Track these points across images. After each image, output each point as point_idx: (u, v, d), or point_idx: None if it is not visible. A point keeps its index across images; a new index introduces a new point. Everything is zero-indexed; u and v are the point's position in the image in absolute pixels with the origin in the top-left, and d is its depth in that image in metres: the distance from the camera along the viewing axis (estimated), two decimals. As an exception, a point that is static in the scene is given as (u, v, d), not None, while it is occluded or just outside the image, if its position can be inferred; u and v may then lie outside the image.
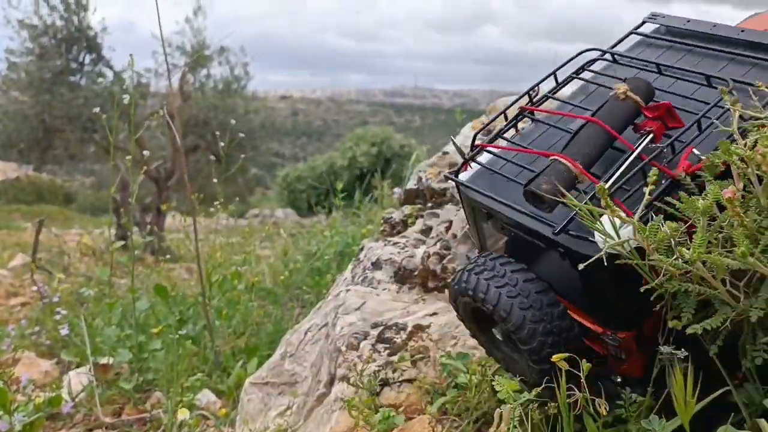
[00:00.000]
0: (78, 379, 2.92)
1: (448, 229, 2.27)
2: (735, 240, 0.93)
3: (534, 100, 1.48)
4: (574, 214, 1.12)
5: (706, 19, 1.58)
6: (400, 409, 1.72)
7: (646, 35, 1.61)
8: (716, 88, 1.30)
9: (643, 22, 1.63)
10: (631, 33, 1.62)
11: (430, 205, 2.56)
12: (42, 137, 11.84)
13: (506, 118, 1.48)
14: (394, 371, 1.83)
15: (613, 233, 1.02)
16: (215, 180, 3.67)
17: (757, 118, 1.08)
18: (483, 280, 1.29)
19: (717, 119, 1.19)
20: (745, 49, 1.41)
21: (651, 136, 1.22)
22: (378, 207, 4.10)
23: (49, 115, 11.63)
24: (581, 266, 1.03)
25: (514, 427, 1.14)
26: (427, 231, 2.37)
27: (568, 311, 1.25)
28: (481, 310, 1.31)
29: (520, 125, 1.49)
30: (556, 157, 1.20)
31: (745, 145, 1.03)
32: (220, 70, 14.08)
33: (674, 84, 1.40)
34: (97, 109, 2.92)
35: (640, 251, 1.02)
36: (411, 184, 2.70)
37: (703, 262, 0.96)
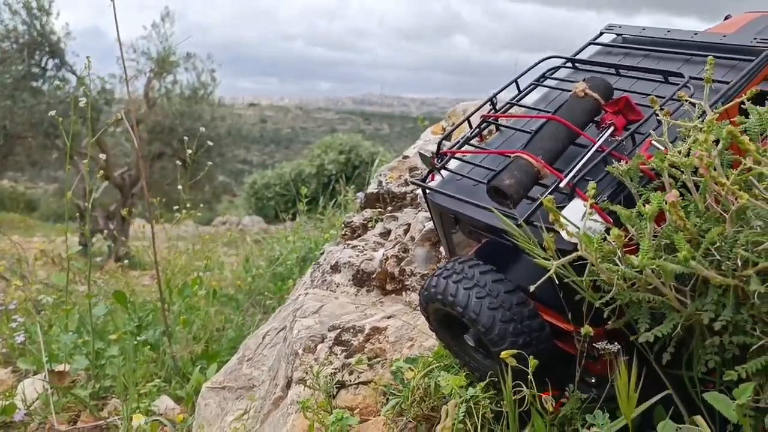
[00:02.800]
0: (33, 386, 2.86)
1: (406, 231, 2.28)
2: (676, 245, 0.94)
3: (497, 107, 1.50)
4: (538, 205, 1.13)
5: (662, 26, 1.62)
6: (356, 411, 1.71)
7: (604, 44, 1.64)
8: (674, 84, 1.33)
9: (601, 33, 1.67)
10: (589, 43, 1.65)
11: (390, 208, 2.56)
12: (3, 144, 11.63)
13: (470, 125, 1.49)
14: (350, 373, 1.82)
15: (578, 224, 1.04)
16: (180, 187, 3.62)
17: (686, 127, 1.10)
18: (452, 283, 1.28)
19: (674, 112, 1.23)
20: (699, 51, 1.44)
21: (612, 128, 1.25)
22: (342, 212, 4.10)
23: (11, 121, 11.42)
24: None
25: (460, 422, 1.14)
26: (386, 234, 2.37)
27: (540, 312, 1.26)
28: (453, 316, 1.31)
29: (487, 134, 1.51)
30: (518, 154, 1.21)
31: (679, 152, 1.05)
32: (187, 77, 13.99)
33: (634, 84, 1.43)
34: (53, 113, 2.87)
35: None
36: (372, 188, 2.70)
37: (651, 270, 0.97)
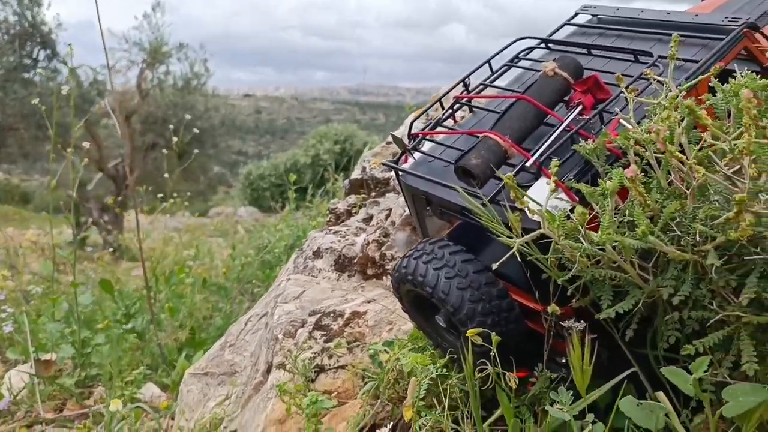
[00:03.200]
0: (20, 376, 2.87)
1: (388, 216, 2.28)
2: (636, 220, 0.94)
3: (470, 89, 1.49)
4: (503, 185, 1.13)
5: (636, 6, 1.62)
6: (334, 394, 1.72)
7: (579, 25, 1.64)
8: (644, 63, 1.33)
9: (576, 14, 1.67)
10: (564, 24, 1.64)
11: (374, 194, 2.56)
12: (-5, 135, 11.59)
13: (443, 106, 1.49)
14: (330, 357, 1.83)
15: (542, 202, 1.03)
16: (166, 174, 3.62)
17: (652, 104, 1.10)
18: (422, 264, 1.28)
19: (643, 90, 1.23)
20: (671, 30, 1.44)
21: (580, 107, 1.25)
22: (329, 199, 4.10)
23: (2, 113, 11.37)
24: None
25: (422, 400, 1.14)
26: (368, 219, 2.37)
27: (509, 292, 1.26)
28: (424, 297, 1.31)
29: (460, 115, 1.51)
30: (486, 134, 1.21)
31: (642, 129, 1.05)
32: (180, 67, 13.93)
33: (606, 64, 1.43)
34: (36, 100, 2.87)
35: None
36: (356, 174, 2.70)
37: (613, 247, 0.98)
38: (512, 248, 1.04)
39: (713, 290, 0.92)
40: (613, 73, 1.36)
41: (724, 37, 1.34)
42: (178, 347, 2.92)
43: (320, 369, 1.80)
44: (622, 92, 1.21)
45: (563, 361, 1.28)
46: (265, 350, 1.99)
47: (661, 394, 0.97)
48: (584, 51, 1.47)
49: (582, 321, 1.13)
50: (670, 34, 1.43)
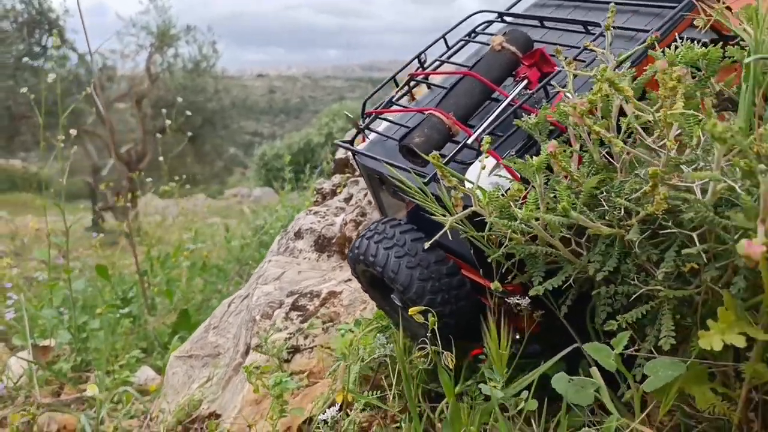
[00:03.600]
0: (19, 362, 2.92)
1: (366, 195, 2.27)
2: (558, 196, 0.93)
3: (425, 65, 1.48)
4: (446, 162, 1.12)
5: None
6: (308, 374, 1.73)
7: None
8: (594, 34, 1.31)
9: None
10: None
11: (357, 173, 2.56)
12: (8, 124, 11.70)
13: (396, 84, 1.48)
14: (305, 338, 1.84)
15: (485, 179, 1.03)
16: (161, 158, 3.63)
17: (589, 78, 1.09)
18: (373, 243, 1.29)
19: (591, 62, 1.22)
20: (629, 0, 1.42)
21: (525, 82, 1.23)
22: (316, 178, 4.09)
23: (14, 101, 11.47)
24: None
25: (352, 383, 1.15)
26: (349, 199, 2.37)
27: (461, 269, 1.26)
28: (378, 277, 1.31)
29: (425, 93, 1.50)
30: (430, 111, 1.21)
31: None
32: (188, 50, 13.95)
33: (560, 37, 1.41)
34: (25, 89, 2.88)
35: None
36: (340, 153, 2.70)
37: (545, 227, 0.97)
38: (454, 226, 1.04)
39: (639, 265, 0.91)
40: (567, 46, 1.35)
41: (676, 6, 1.32)
42: (173, 330, 2.95)
43: (296, 349, 1.82)
44: (569, 65, 1.19)
45: (516, 337, 1.28)
46: (244, 332, 2.01)
47: (594, 370, 0.96)
48: (538, 24, 1.45)
49: (528, 297, 1.13)
50: (626, 5, 1.41)
